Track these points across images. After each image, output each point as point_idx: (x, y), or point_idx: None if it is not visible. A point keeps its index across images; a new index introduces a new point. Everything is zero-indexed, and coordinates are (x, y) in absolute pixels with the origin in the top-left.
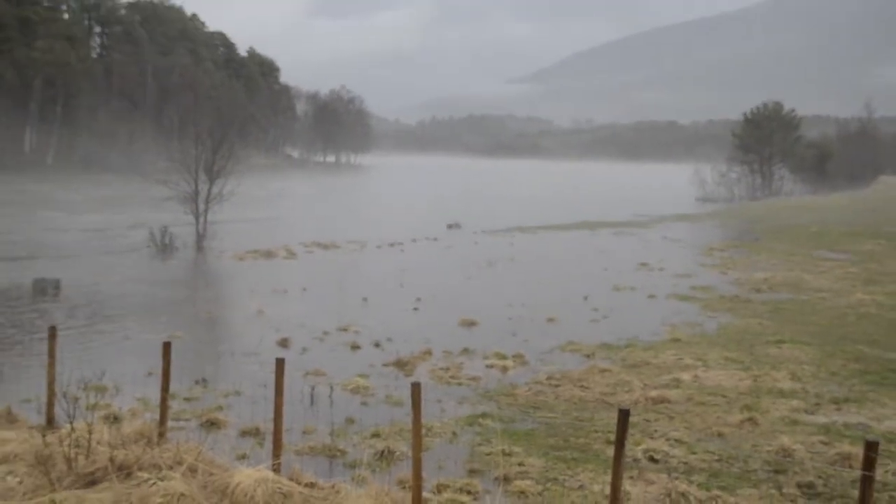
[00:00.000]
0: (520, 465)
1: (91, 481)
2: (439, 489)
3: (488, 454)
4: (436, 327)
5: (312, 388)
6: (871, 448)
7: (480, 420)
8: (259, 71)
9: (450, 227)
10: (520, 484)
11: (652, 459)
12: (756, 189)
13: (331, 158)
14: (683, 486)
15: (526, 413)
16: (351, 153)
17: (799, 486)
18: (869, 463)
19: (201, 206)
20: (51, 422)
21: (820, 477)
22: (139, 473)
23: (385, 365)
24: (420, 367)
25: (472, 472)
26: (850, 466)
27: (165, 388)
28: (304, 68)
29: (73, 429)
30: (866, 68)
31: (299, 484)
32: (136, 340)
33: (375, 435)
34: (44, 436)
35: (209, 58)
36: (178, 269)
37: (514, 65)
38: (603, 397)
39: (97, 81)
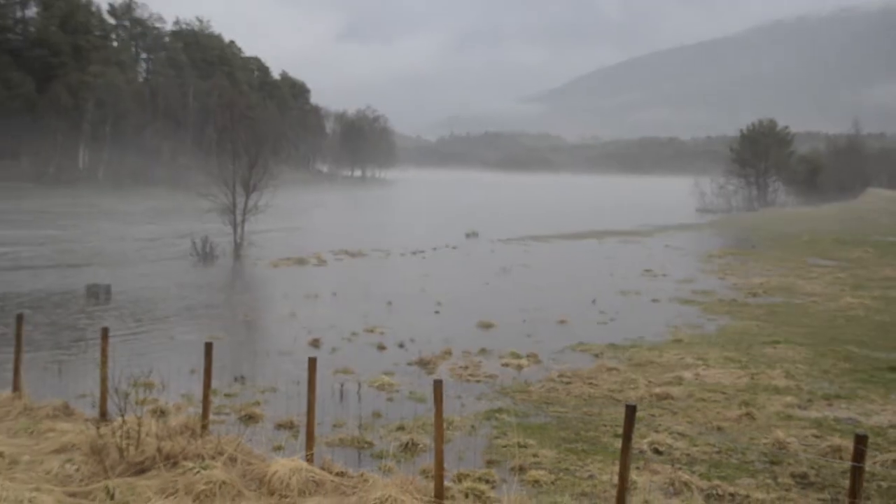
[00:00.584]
0: (534, 456)
1: (141, 469)
2: (459, 478)
3: (504, 446)
4: (455, 329)
5: (342, 385)
6: (860, 441)
7: (497, 414)
8: (291, 92)
9: (468, 236)
10: (534, 473)
11: (656, 451)
12: (752, 200)
13: (357, 173)
14: (686, 476)
15: (539, 408)
16: (376, 168)
17: (793, 476)
18: (859, 455)
19: (239, 218)
20: (104, 415)
21: (812, 468)
22: (184, 463)
23: (409, 364)
24: (441, 366)
25: (489, 463)
26: (841, 458)
27: (207, 385)
28: (332, 90)
29: (124, 421)
30: (854, 89)
31: (330, 473)
32: (180, 341)
33: (400, 428)
34: (98, 428)
35: (245, 80)
36: (218, 276)
37: (526, 86)
38: (611, 394)
39: (143, 103)
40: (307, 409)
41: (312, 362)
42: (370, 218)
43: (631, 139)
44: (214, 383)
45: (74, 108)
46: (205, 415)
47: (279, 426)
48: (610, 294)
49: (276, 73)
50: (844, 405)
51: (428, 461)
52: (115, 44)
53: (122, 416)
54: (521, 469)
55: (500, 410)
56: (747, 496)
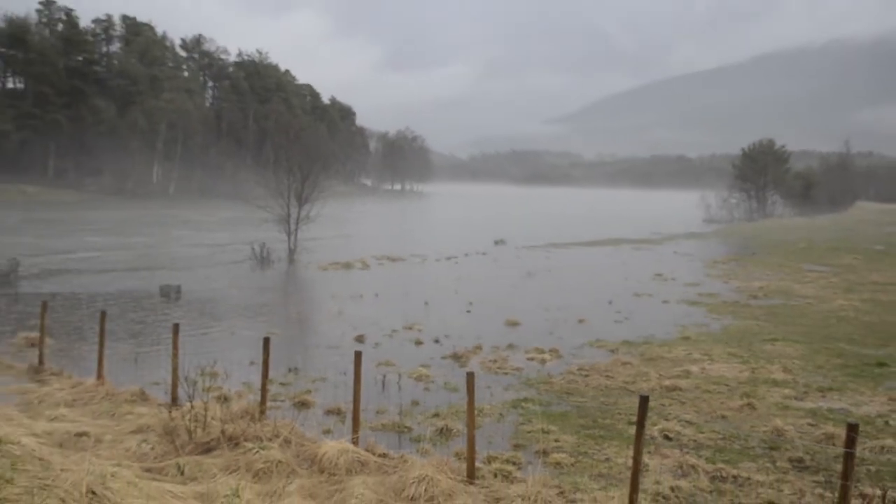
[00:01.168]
0: (556, 441)
1: (207, 449)
2: (489, 460)
3: (529, 432)
4: (485, 326)
5: (384, 376)
6: (852, 429)
7: (523, 403)
8: (339, 115)
9: (496, 243)
10: (556, 456)
11: (666, 437)
12: (752, 212)
13: (397, 186)
14: (693, 460)
15: (561, 398)
16: (413, 182)
17: (790, 460)
18: (850, 441)
19: (292, 226)
20: (175, 400)
21: (808, 453)
22: (245, 443)
23: (443, 357)
24: (472, 360)
25: (516, 447)
26: (834, 444)
27: (265, 375)
28: (375, 113)
29: (192, 406)
30: (845, 112)
31: (374, 454)
32: (241, 336)
33: (436, 415)
34: (170, 412)
35: (299, 105)
36: (274, 278)
37: (549, 109)
38: (625, 385)
39: (209, 125)
40: (353, 397)
41: (358, 356)
42: (408, 227)
43: (643, 157)
44: (271, 373)
45: (150, 131)
46: (263, 401)
47: (328, 412)
48: (624, 296)
49: (325, 99)
50: (836, 397)
51: (461, 445)
52: (185, 73)
53: (191, 401)
54: (545, 452)
55: (525, 400)
56: (748, 478)
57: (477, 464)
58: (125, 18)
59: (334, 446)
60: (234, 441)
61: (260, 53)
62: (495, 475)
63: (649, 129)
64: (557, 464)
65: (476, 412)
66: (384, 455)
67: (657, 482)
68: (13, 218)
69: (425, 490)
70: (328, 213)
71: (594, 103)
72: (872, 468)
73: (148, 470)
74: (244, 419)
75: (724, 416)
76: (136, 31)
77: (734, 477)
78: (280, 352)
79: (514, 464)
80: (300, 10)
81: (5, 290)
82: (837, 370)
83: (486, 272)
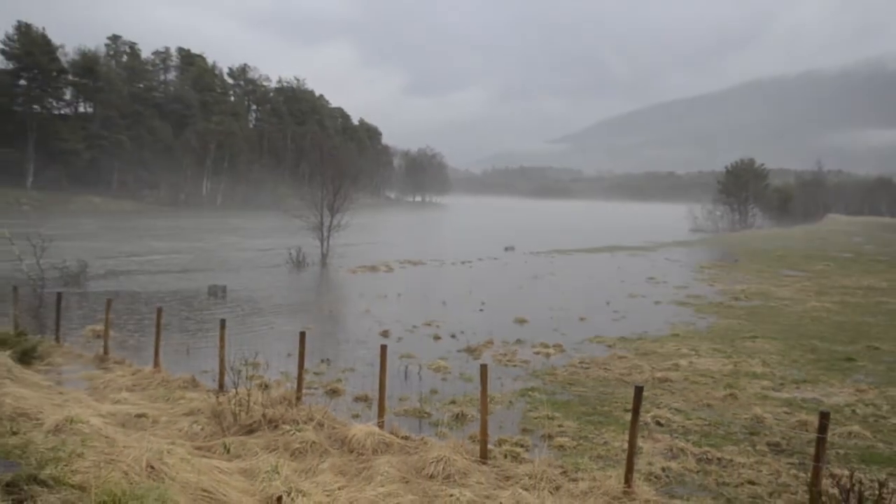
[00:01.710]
0: (559, 426)
1: (250, 430)
2: (500, 443)
3: (536, 418)
4: (496, 324)
5: (406, 367)
6: (824, 417)
7: (530, 392)
8: (367, 135)
9: (506, 249)
10: (559, 440)
11: (658, 423)
12: (735, 223)
13: (418, 198)
14: (682, 444)
15: (564, 388)
16: (433, 194)
17: (768, 444)
18: (822, 428)
19: (325, 234)
20: (222, 387)
21: (784, 438)
22: (283, 426)
23: (459, 351)
24: (485, 353)
25: (524, 431)
26: (807, 430)
27: (301, 365)
28: (399, 133)
29: (237, 393)
30: (817, 135)
31: (397, 437)
32: (279, 330)
33: (452, 402)
34: (217, 397)
35: (331, 126)
36: (309, 280)
37: (553, 129)
38: (621, 377)
39: (252, 144)
40: (379, 386)
41: (383, 349)
42: (428, 235)
43: (637, 173)
44: (306, 364)
45: (200, 149)
46: (299, 389)
47: (356, 399)
48: (621, 297)
49: (355, 120)
50: (810, 388)
51: (474, 429)
52: (232, 98)
53: (236, 388)
54: (550, 436)
55: (532, 389)
56: (731, 460)
57: (489, 446)
58: (181, 50)
59: (362, 429)
60: (273, 424)
61: (297, 80)
62: (505, 456)
63: (642, 149)
64: (561, 446)
65: (488, 400)
66: (406, 437)
67: (650, 463)
68: (84, 225)
69: (443, 469)
70: (356, 222)
71: (593, 125)
72: (841, 451)
73: (198, 448)
74: (282, 404)
75: (709, 405)
76: (189, 61)
77: (718, 459)
78: (314, 345)
79: (522, 446)
80: (333, 41)
81: (75, 289)
82: (810, 364)
83: (497, 275)
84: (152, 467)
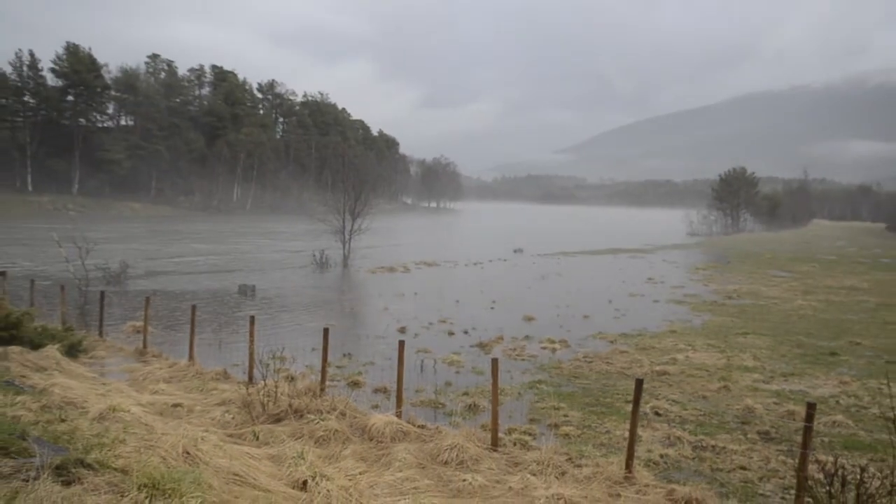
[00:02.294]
0: (565, 416)
1: (277, 419)
2: (509, 431)
3: (543, 408)
4: (506, 320)
5: (422, 361)
6: (810, 407)
7: (537, 385)
8: (385, 145)
9: (515, 251)
10: (565, 429)
11: (657, 413)
12: (727, 227)
13: (433, 204)
14: (679, 432)
15: (569, 380)
16: (446, 200)
17: (759, 433)
18: (809, 417)
19: (346, 237)
20: (251, 379)
21: (773, 427)
22: (308, 415)
23: (471, 346)
24: (495, 348)
25: (531, 421)
26: (794, 420)
27: (324, 359)
28: (415, 143)
29: (265, 384)
30: (803, 145)
31: (414, 425)
32: (305, 326)
33: (465, 394)
34: (247, 388)
35: (353, 137)
36: (331, 280)
37: (559, 140)
38: (622, 370)
39: (279, 153)
40: (397, 378)
41: (401, 344)
42: (442, 238)
43: (637, 181)
44: (329, 358)
45: (231, 158)
46: (322, 381)
47: (376, 390)
48: (622, 296)
49: (374, 132)
50: (797, 380)
51: (486, 418)
52: (261, 111)
53: (264, 380)
54: (556, 425)
55: (539, 382)
56: (724, 447)
57: (499, 434)
58: (214, 67)
59: (381, 418)
60: (299, 413)
61: (321, 95)
62: (515, 444)
63: (642, 158)
64: (566, 435)
65: (499, 391)
66: (422, 426)
67: (649, 450)
68: (126, 229)
69: (457, 455)
70: (376, 226)
71: (596, 136)
72: (826, 439)
73: (230, 435)
74: (307, 395)
75: (704, 396)
76: (222, 77)
77: (712, 446)
78: (336, 340)
79: (530, 434)
80: (354, 59)
81: (116, 288)
82: (797, 359)
83: (507, 275)
84: (188, 453)
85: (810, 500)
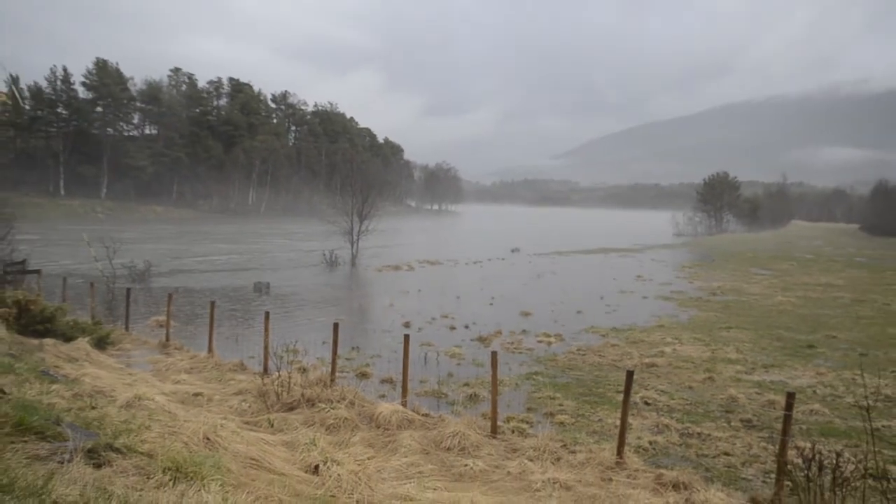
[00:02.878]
0: (560, 405)
1: (290, 408)
2: (508, 420)
3: (539, 398)
4: (504, 316)
5: (425, 354)
6: (790, 397)
7: (534, 376)
8: (391, 151)
9: (512, 251)
10: (560, 417)
11: (646, 403)
12: (711, 228)
13: (435, 207)
14: (667, 420)
15: (563, 372)
16: (448, 203)
17: (742, 420)
18: (788, 406)
19: (354, 237)
20: (266, 370)
21: (755, 415)
22: (319, 404)
23: (472, 339)
24: (494, 342)
25: (528, 410)
26: (775, 408)
27: (335, 352)
28: (419, 149)
29: (279, 375)
30: (782, 151)
31: (418, 414)
32: (315, 321)
33: (466, 384)
34: (262, 379)
35: (360, 143)
36: (340, 278)
37: (553, 146)
38: (614, 362)
39: (292, 159)
40: (402, 370)
41: (406, 338)
42: (443, 238)
43: (627, 184)
44: (339, 350)
45: (247, 164)
46: (332, 372)
47: (382, 381)
48: (613, 292)
49: (381, 139)
50: (777, 372)
51: (485, 408)
52: (274, 120)
53: (278, 371)
54: (551, 414)
55: (535, 373)
56: (709, 434)
57: (498, 422)
58: (231, 80)
59: (388, 407)
60: (311, 402)
61: (331, 104)
62: (513, 431)
63: (631, 163)
64: (561, 423)
65: (498, 382)
66: (426, 415)
67: (639, 437)
68: (151, 231)
69: (458, 442)
70: (382, 227)
71: (589, 142)
72: (804, 426)
73: (246, 423)
74: (318, 385)
75: (690, 387)
76: (238, 89)
77: (698, 433)
78: (345, 334)
79: (527, 423)
80: (361, 70)
81: (141, 285)
82: (777, 351)
83: (505, 273)
84: (208, 438)
85: (790, 483)
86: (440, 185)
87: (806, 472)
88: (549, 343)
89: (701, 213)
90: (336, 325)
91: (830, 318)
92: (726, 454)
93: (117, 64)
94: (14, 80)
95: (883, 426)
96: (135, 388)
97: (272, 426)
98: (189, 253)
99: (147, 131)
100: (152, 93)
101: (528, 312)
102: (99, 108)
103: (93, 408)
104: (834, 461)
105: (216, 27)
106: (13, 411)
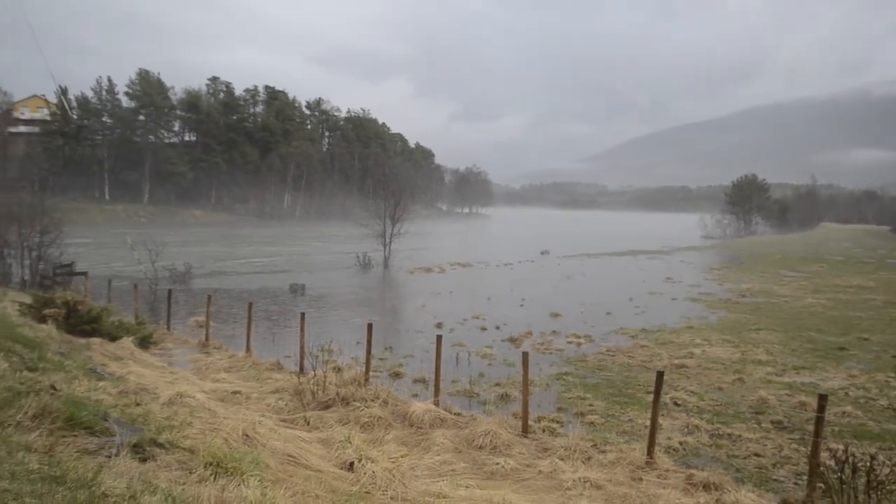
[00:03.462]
0: (590, 405)
1: (326, 406)
2: (539, 419)
3: (569, 398)
4: (534, 317)
5: (457, 354)
6: (822, 399)
7: (564, 376)
8: (422, 156)
9: (542, 253)
10: (590, 417)
11: (676, 404)
12: (740, 230)
13: (465, 210)
14: (697, 421)
15: (593, 372)
16: (478, 206)
17: (772, 422)
18: (821, 408)
19: (387, 240)
20: (302, 369)
21: (786, 417)
22: (354, 403)
23: (503, 340)
24: (525, 342)
25: (559, 409)
26: (806, 410)
27: (368, 351)
28: (449, 154)
29: (315, 374)
30: (810, 153)
31: (450, 413)
32: (350, 322)
33: (497, 384)
34: (298, 378)
35: (392, 149)
36: (373, 280)
37: (581, 150)
38: (643, 363)
39: (325, 164)
40: (435, 370)
41: (439, 338)
42: (474, 241)
43: (655, 187)
44: (372, 351)
45: (282, 169)
46: (366, 371)
47: (415, 381)
48: (642, 294)
49: (412, 144)
50: (808, 373)
51: (516, 407)
52: (309, 127)
53: (314, 370)
54: (581, 414)
55: (565, 374)
56: (740, 436)
57: (529, 422)
58: (267, 88)
59: (420, 406)
60: (345, 401)
61: (363, 111)
62: (543, 431)
63: (659, 166)
64: (591, 423)
65: (528, 382)
66: (458, 414)
67: (669, 438)
68: (192, 234)
69: (490, 441)
70: (413, 230)
71: (616, 146)
72: (836, 429)
73: (283, 420)
74: (353, 385)
75: (720, 388)
76: (274, 96)
77: (728, 434)
78: (379, 334)
79: (557, 422)
80: (394, 77)
81: (182, 287)
82: (808, 353)
83: (534, 275)
84: (247, 435)
85: (822, 485)
86: (470, 188)
87: (839, 474)
88: (579, 344)
89: (729, 215)
90: (370, 326)
91: (862, 320)
92: (757, 455)
93: (159, 74)
94: (63, 92)
95: None
96: (176, 386)
97: (308, 424)
98: (232, 255)
99: (186, 138)
100: (192, 101)
101: (557, 314)
102: (141, 117)
103: (137, 404)
104: (868, 464)
105: (252, 37)
106: (64, 407)
